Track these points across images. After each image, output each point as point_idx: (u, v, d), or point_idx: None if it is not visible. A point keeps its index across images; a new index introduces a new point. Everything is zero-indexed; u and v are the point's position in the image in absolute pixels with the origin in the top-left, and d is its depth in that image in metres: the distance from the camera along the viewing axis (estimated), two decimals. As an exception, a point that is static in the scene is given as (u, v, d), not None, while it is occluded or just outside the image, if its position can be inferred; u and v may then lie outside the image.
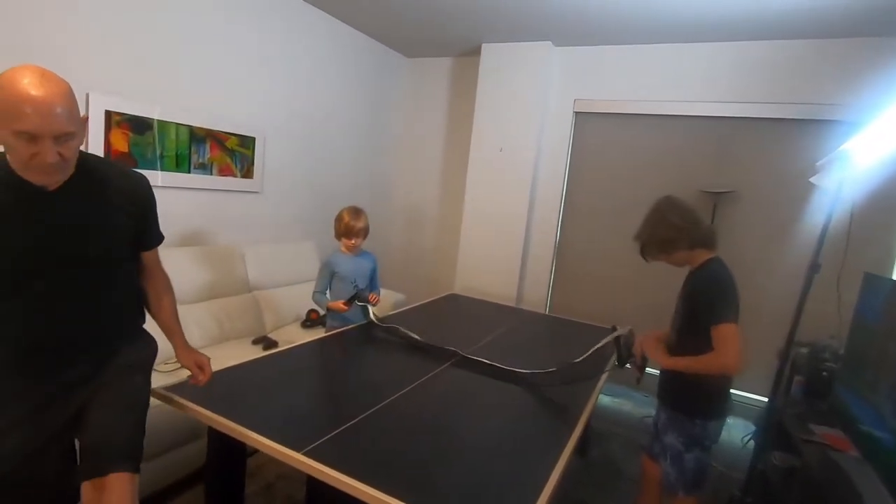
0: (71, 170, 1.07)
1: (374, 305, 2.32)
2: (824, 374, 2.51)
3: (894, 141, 1.70)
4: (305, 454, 1.19)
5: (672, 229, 1.59)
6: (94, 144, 2.35)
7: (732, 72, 3.27)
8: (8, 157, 1.01)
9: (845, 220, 1.97)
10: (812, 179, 1.81)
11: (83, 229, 1.12)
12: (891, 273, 2.92)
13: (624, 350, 1.75)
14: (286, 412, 1.43)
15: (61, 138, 0.99)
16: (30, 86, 0.94)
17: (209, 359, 1.43)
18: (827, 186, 1.75)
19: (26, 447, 1.11)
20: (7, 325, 1.09)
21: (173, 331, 1.40)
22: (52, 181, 1.05)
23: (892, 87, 2.77)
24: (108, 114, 2.39)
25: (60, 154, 0.99)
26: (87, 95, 2.30)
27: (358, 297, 2.28)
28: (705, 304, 1.53)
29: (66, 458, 1.18)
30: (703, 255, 1.63)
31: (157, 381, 2.15)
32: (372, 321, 2.30)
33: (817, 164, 1.80)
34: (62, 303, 1.12)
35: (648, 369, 1.79)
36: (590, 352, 1.85)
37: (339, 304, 2.28)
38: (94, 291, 1.17)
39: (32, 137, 0.95)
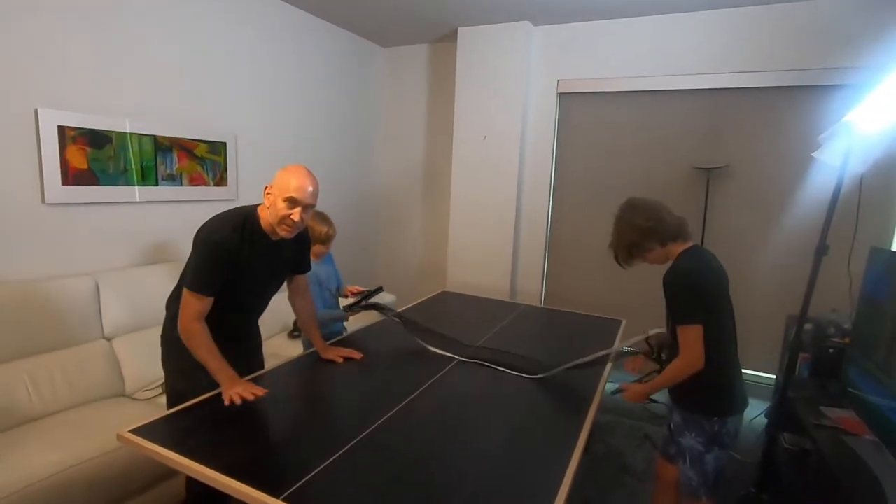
0: (298, 231, 1.60)
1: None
2: (831, 350, 2.44)
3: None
4: (285, 500, 1.08)
5: (637, 232, 1.57)
6: (49, 163, 2.20)
7: (722, 41, 3.13)
8: (269, 212, 1.55)
9: (854, 195, 1.86)
10: (815, 154, 1.70)
11: (282, 266, 1.75)
12: (891, 244, 2.84)
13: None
14: (262, 447, 1.32)
15: (307, 208, 1.55)
16: (304, 174, 1.54)
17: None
18: (831, 161, 1.64)
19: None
20: (233, 312, 1.65)
21: (315, 334, 1.97)
22: (287, 237, 1.58)
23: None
24: (62, 129, 2.23)
25: (302, 219, 1.53)
26: (36, 112, 2.14)
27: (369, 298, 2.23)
28: (672, 303, 1.52)
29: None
30: (677, 248, 1.58)
31: (134, 409, 2.07)
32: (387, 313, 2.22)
33: (819, 137, 1.68)
34: (262, 299, 1.79)
35: None
36: (594, 356, 1.76)
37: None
38: (267, 301, 1.82)
39: (294, 202, 1.50)
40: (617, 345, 1.95)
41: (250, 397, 1.51)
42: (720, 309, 1.52)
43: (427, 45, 4.19)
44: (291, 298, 1.93)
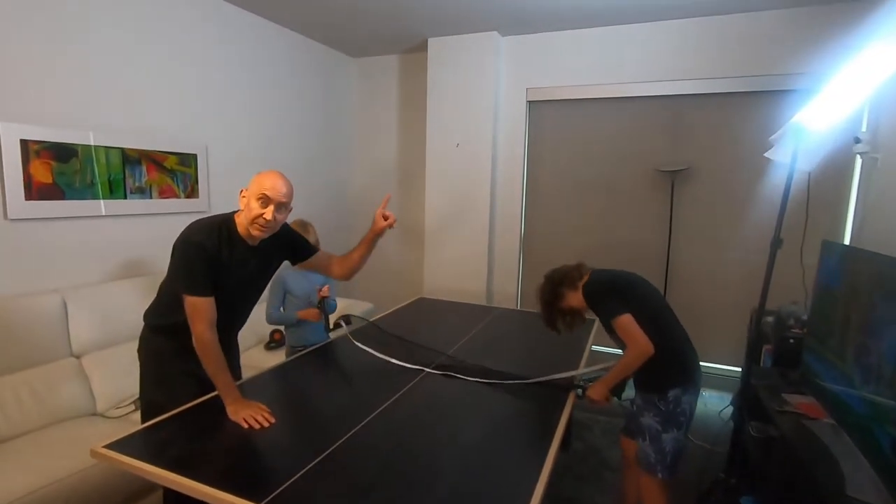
0: (272, 233, 1.61)
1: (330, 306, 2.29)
2: (791, 341, 2.55)
3: (842, 106, 1.70)
4: (266, 505, 1.09)
5: (549, 306, 1.86)
6: (12, 178, 2.14)
7: (681, 50, 3.28)
8: (244, 214, 1.56)
9: (803, 191, 1.98)
10: (767, 154, 1.81)
11: (265, 272, 1.75)
12: (843, 237, 3.00)
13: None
14: (242, 456, 1.32)
15: (280, 207, 1.55)
16: (277, 175, 1.56)
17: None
18: (782, 160, 1.74)
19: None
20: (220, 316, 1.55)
21: (362, 251, 1.87)
22: (261, 237, 1.59)
23: (845, 53, 2.79)
24: (25, 143, 2.18)
25: (275, 218, 1.53)
26: (-3, 125, 2.09)
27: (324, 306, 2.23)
28: (598, 312, 1.73)
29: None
30: (583, 282, 1.80)
31: (106, 427, 2.02)
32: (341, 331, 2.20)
33: (770, 138, 1.79)
34: (243, 309, 1.78)
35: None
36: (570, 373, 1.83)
37: (313, 312, 2.23)
38: (248, 312, 1.82)
39: (268, 200, 1.51)
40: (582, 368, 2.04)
41: (260, 424, 1.42)
42: (639, 297, 1.68)
43: (398, 56, 4.24)
44: (331, 272, 1.90)
